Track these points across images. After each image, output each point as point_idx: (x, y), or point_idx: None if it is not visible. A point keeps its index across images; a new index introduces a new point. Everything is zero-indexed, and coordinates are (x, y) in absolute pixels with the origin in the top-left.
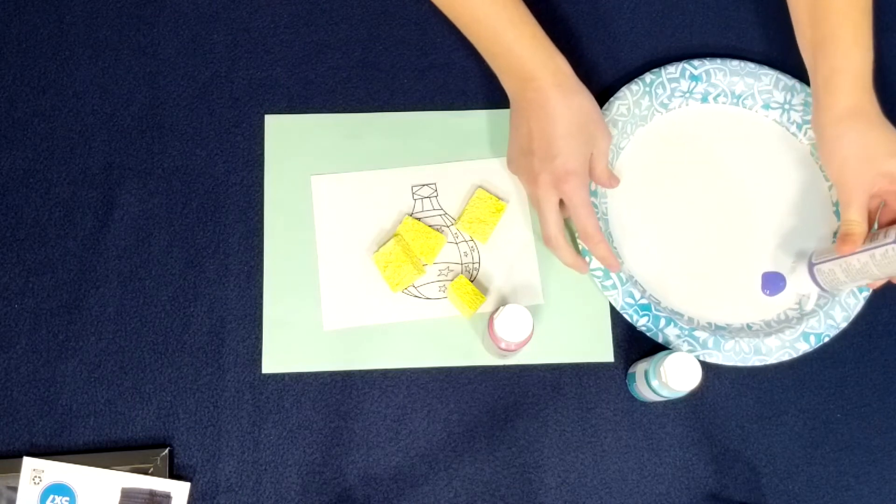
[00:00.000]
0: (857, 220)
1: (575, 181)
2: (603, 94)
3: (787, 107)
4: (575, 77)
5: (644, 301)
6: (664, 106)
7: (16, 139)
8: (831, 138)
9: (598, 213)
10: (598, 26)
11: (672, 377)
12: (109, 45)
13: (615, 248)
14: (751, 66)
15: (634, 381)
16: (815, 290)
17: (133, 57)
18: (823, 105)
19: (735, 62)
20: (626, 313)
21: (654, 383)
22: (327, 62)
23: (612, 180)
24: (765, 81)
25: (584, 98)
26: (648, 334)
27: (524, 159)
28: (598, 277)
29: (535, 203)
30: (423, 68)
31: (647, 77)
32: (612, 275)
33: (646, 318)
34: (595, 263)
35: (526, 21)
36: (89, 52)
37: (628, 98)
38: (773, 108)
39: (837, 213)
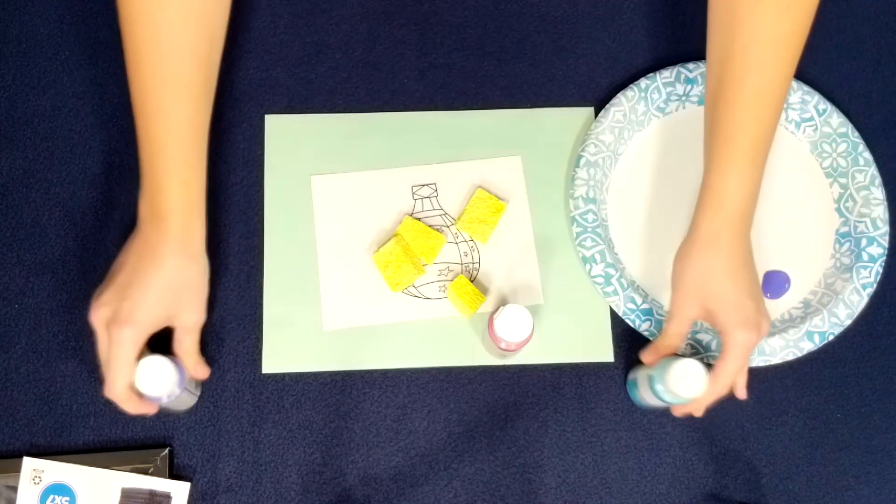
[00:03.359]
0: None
1: (131, 332)
2: (603, 96)
3: (784, 105)
4: (202, 246)
5: (646, 306)
6: (661, 110)
7: (16, 139)
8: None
9: (597, 219)
10: (597, 28)
11: (678, 384)
12: (109, 45)
13: (616, 253)
14: None
15: (636, 388)
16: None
17: None
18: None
19: None
20: (629, 318)
21: (659, 387)
22: (327, 62)
23: (200, 367)
24: None
25: (200, 268)
26: (651, 339)
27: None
28: (600, 284)
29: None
30: (423, 68)
31: (643, 82)
32: (613, 280)
33: (648, 323)
34: (596, 270)
35: (194, 163)
36: (89, 52)
37: (624, 104)
38: None
39: (839, 211)
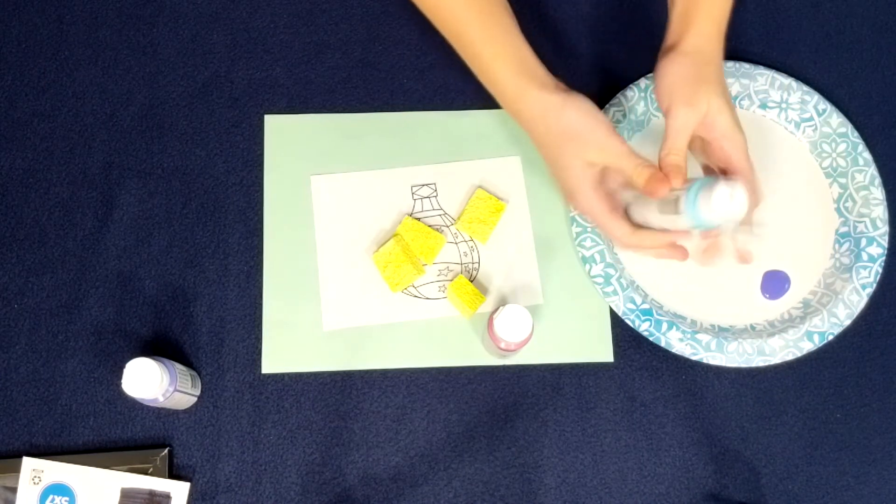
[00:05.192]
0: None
1: (580, 197)
2: (602, 97)
3: (784, 105)
4: (558, 89)
5: (646, 306)
6: (661, 110)
7: (16, 139)
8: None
9: None
10: (597, 28)
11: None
12: (109, 45)
13: (615, 253)
14: (746, 66)
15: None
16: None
17: (133, 57)
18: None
19: (730, 63)
20: (628, 318)
21: (697, 214)
22: (327, 62)
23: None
24: (760, 81)
25: (572, 106)
26: (651, 339)
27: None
28: (599, 284)
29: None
30: (423, 68)
31: (643, 82)
32: (613, 280)
33: (647, 323)
34: (596, 270)
35: (501, 30)
36: (89, 52)
37: (624, 104)
38: (770, 108)
39: (839, 211)
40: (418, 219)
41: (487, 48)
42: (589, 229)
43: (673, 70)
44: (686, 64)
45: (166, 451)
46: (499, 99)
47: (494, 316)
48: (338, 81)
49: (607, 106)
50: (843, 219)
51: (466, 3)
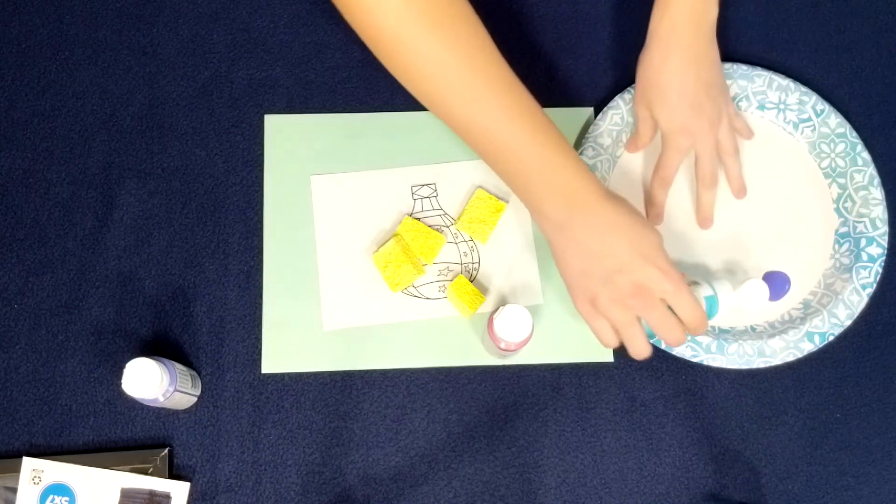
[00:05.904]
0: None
1: (664, 255)
2: (602, 97)
3: (782, 107)
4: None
5: None
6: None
7: (16, 139)
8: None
9: None
10: (597, 28)
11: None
12: (109, 45)
13: None
14: (743, 67)
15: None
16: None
17: (133, 57)
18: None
19: (727, 65)
20: None
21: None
22: (327, 62)
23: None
24: (758, 83)
25: (626, 203)
26: (651, 339)
27: (600, 283)
28: None
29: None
30: None
31: None
32: None
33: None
34: None
35: (550, 134)
36: (89, 52)
37: (622, 107)
38: (768, 109)
39: (838, 211)
40: (418, 219)
41: (539, 159)
42: None
43: (639, 64)
44: (645, 58)
45: (166, 451)
46: (545, 188)
47: (494, 316)
48: (338, 81)
49: (605, 109)
50: (842, 219)
51: (503, 112)
